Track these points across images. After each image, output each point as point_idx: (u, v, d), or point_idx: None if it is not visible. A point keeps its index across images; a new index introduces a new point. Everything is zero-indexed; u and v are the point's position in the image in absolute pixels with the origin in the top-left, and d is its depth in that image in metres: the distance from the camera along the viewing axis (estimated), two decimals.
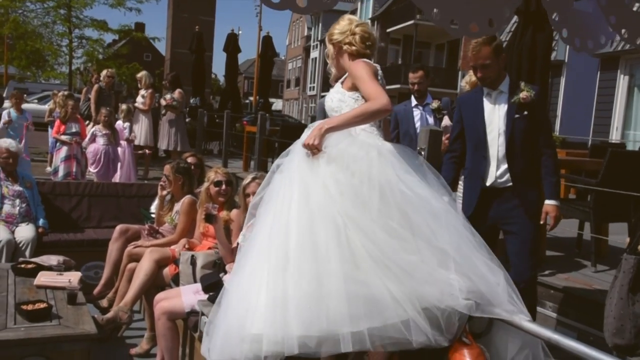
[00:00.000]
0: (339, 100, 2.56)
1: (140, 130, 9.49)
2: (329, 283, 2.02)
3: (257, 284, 2.10)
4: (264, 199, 2.37)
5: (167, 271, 4.24)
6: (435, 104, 4.93)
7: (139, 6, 18.24)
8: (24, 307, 3.18)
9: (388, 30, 30.63)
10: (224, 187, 4.11)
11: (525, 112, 3.33)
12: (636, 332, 2.65)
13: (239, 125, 14.25)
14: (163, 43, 24.81)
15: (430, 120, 4.93)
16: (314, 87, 42.07)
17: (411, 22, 27.52)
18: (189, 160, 5.12)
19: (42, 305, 3.23)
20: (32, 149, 8.94)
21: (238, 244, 3.32)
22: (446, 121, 4.80)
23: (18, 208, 5.11)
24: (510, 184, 3.38)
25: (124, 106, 9.12)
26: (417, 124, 4.92)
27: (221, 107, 15.88)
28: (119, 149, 8.24)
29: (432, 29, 25.81)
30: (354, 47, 2.58)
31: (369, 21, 29.66)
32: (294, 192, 2.22)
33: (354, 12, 31.88)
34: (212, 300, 3.13)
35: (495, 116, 3.41)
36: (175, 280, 4.05)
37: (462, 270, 2.11)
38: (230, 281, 2.37)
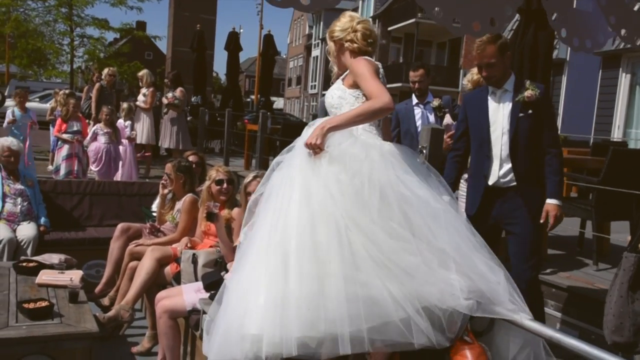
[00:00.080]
0: (339, 97, 2.55)
1: (142, 128, 9.49)
2: (330, 284, 2.01)
3: (256, 283, 2.09)
4: (263, 196, 2.36)
5: (169, 270, 4.24)
6: (435, 103, 4.92)
7: (140, 5, 18.31)
8: (26, 305, 3.19)
9: (389, 28, 30.62)
10: (225, 185, 4.12)
11: (530, 111, 3.29)
12: (635, 330, 2.65)
13: (240, 123, 14.25)
14: (164, 41, 24.78)
15: (432, 118, 4.92)
16: (315, 85, 42.07)
17: (412, 20, 27.51)
18: (191, 158, 5.12)
19: (44, 304, 3.23)
20: (34, 148, 8.93)
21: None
22: (447, 119, 4.79)
23: (20, 206, 5.12)
24: (514, 183, 3.35)
25: (125, 105, 9.12)
26: (418, 123, 4.91)
27: (222, 105, 15.86)
28: (121, 148, 8.25)
29: (434, 28, 25.79)
30: (355, 45, 2.56)
31: (370, 19, 29.61)
32: (294, 192, 2.20)
33: (355, 11, 31.79)
34: (213, 298, 3.13)
35: (499, 115, 3.37)
36: (177, 279, 4.05)
37: (463, 270, 2.11)
38: (230, 279, 2.36)
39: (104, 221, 5.81)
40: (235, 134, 12.39)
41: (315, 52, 42.75)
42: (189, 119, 11.78)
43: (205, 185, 4.21)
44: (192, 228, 4.50)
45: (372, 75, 2.42)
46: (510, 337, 2.27)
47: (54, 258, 4.18)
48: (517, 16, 5.43)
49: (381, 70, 2.55)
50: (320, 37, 39.56)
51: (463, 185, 3.94)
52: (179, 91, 9.83)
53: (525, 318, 2.09)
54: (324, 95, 3.04)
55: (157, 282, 4.20)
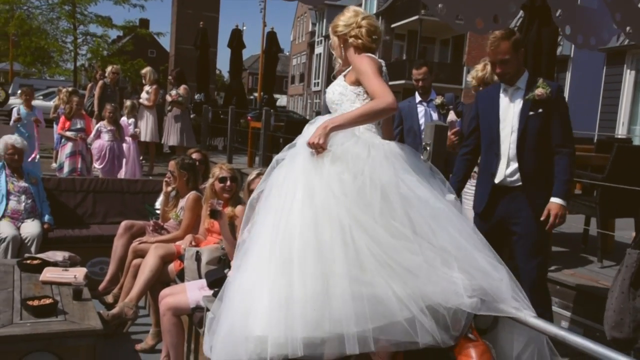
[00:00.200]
0: (340, 94, 2.51)
1: (145, 126, 9.51)
2: (334, 284, 2.00)
3: (260, 283, 2.08)
4: (263, 193, 2.34)
5: (172, 267, 4.24)
6: (438, 100, 4.90)
7: (143, 3, 18.31)
8: (30, 302, 3.20)
9: (392, 25, 30.54)
10: (228, 183, 4.11)
11: (540, 110, 3.22)
12: (635, 326, 2.65)
13: (243, 121, 14.25)
14: (167, 39, 24.90)
15: (435, 116, 4.91)
16: (318, 82, 42.04)
17: (416, 17, 27.42)
18: (194, 156, 5.13)
19: (48, 301, 3.25)
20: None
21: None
22: (451, 116, 4.78)
23: (23, 204, 5.14)
24: (520, 183, 3.30)
25: (128, 102, 9.12)
26: (421, 120, 4.90)
27: (226, 103, 15.85)
28: (124, 145, 8.26)
29: (437, 24, 25.69)
30: (360, 41, 2.49)
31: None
32: (297, 191, 2.19)
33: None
34: (217, 296, 3.14)
35: (509, 113, 3.32)
36: (180, 276, 4.06)
37: (465, 268, 2.10)
38: (233, 278, 2.34)
39: (108, 219, 5.82)
40: (238, 132, 12.38)
41: (319, 49, 42.70)
42: (192, 116, 11.79)
43: (208, 182, 4.21)
44: (196, 225, 4.50)
45: (376, 74, 2.38)
46: (514, 334, 2.26)
47: (58, 255, 4.19)
48: (520, 13, 5.42)
49: (384, 68, 2.51)
50: (324, 34, 39.49)
51: (468, 184, 3.92)
52: (182, 89, 9.84)
53: (529, 315, 2.09)
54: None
55: (160, 280, 4.21)
